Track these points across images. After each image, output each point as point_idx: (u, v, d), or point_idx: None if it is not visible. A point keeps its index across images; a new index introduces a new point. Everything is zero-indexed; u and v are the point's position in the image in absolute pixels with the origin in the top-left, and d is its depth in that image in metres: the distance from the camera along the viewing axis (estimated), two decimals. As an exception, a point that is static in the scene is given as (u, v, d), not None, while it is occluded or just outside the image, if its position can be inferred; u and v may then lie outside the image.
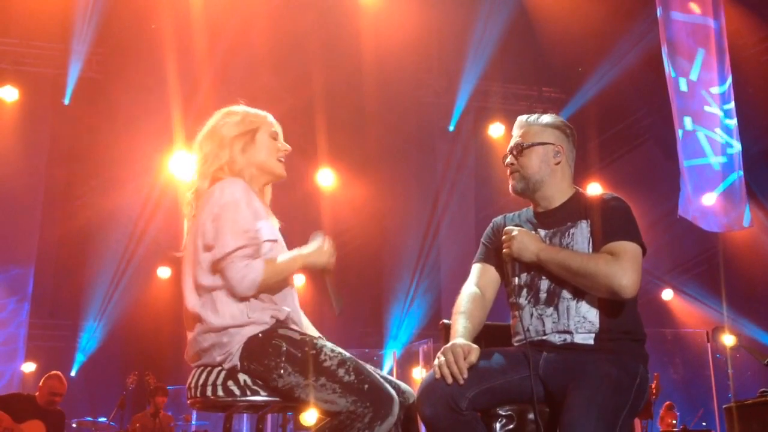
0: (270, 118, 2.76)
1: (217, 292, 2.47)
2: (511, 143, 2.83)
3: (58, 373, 6.73)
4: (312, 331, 2.81)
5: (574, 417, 2.29)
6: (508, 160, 2.80)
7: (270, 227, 2.59)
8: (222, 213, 2.46)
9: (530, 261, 2.64)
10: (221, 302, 2.47)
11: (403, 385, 2.66)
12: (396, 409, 2.40)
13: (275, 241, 2.59)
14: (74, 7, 8.75)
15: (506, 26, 9.44)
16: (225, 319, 2.45)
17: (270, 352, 2.41)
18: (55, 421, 6.52)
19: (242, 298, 2.46)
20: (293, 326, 2.58)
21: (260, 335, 2.45)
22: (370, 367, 2.53)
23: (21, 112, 9.63)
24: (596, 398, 2.33)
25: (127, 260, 10.69)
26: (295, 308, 2.65)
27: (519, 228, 2.71)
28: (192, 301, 2.52)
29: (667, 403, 8.71)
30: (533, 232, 2.72)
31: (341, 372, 2.40)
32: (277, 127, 2.77)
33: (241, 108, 2.75)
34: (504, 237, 2.71)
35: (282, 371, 2.39)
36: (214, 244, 2.46)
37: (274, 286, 2.52)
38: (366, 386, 2.39)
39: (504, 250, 2.70)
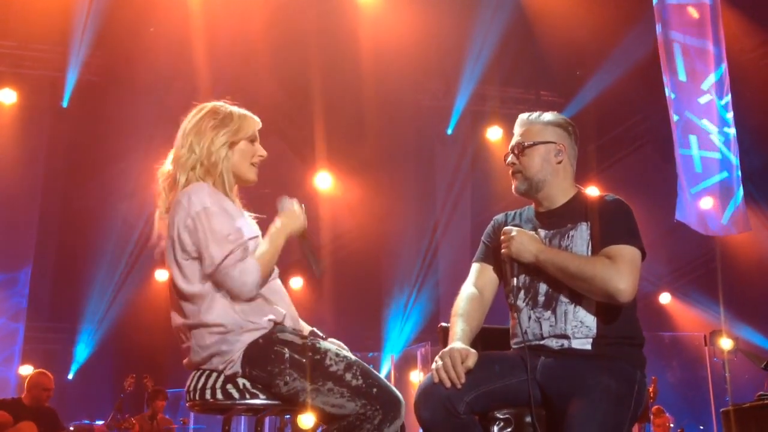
0: (250, 119, 2.71)
1: (211, 297, 2.45)
2: (513, 142, 2.80)
3: (43, 370, 6.74)
4: (304, 326, 2.79)
5: None
6: (510, 159, 2.77)
7: (247, 224, 2.56)
8: (197, 224, 2.43)
9: (529, 262, 2.62)
10: (217, 307, 2.45)
11: None
12: (403, 411, 2.44)
13: (257, 237, 2.57)
14: (73, 9, 8.74)
15: (505, 30, 9.44)
16: (223, 324, 2.43)
17: (273, 359, 2.41)
18: (47, 420, 6.47)
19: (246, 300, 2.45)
20: (291, 327, 2.57)
21: (260, 341, 2.45)
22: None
23: (19, 115, 9.61)
24: (597, 415, 2.33)
25: (124, 263, 10.68)
26: (288, 303, 2.64)
27: (518, 228, 2.69)
28: (186, 308, 2.50)
29: (655, 408, 8.70)
30: (533, 232, 2.70)
31: (348, 376, 2.41)
32: (256, 129, 2.71)
33: (226, 107, 2.70)
34: (503, 237, 2.69)
35: (287, 378, 2.40)
36: (198, 256, 2.45)
37: (270, 274, 2.52)
38: (375, 389, 2.41)
39: (503, 251, 2.68)
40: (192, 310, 2.48)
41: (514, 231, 2.66)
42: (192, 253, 2.46)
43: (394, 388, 2.46)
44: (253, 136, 2.68)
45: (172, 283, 2.54)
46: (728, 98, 7.55)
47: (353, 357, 2.50)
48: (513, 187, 2.79)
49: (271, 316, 2.50)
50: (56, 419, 6.61)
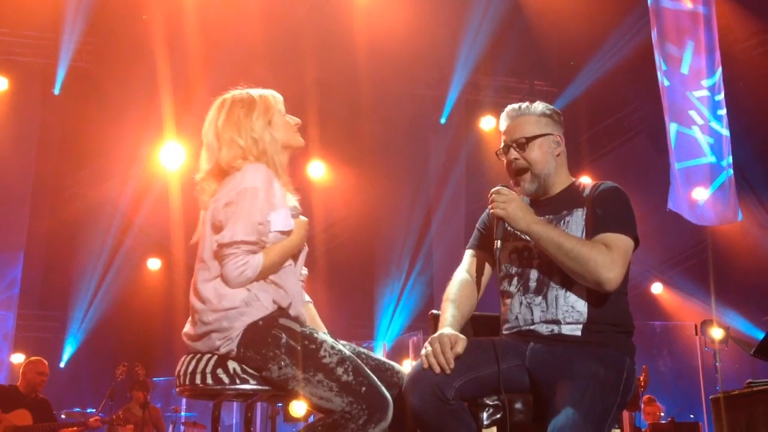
0: (274, 94, 2.74)
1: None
2: (508, 138, 2.71)
3: (38, 357, 6.80)
4: (317, 322, 2.81)
5: (561, 421, 2.29)
6: (512, 155, 2.68)
7: (284, 216, 2.55)
8: (239, 200, 2.46)
9: (520, 229, 2.57)
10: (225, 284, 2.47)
11: (397, 366, 2.69)
12: (390, 413, 2.42)
13: (285, 232, 2.55)
14: (64, -4, 8.70)
15: (499, 19, 9.43)
16: (228, 300, 2.44)
17: (269, 342, 2.41)
18: (41, 410, 6.50)
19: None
20: (294, 315, 2.56)
21: (261, 323, 2.44)
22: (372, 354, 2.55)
23: (10, 102, 9.58)
24: (584, 401, 2.32)
25: (116, 251, 10.66)
26: (297, 291, 2.61)
27: (514, 193, 2.62)
28: (199, 279, 2.52)
29: (646, 397, 8.76)
30: None
31: (340, 371, 2.40)
32: (281, 101, 2.75)
33: (245, 91, 2.71)
34: (495, 195, 2.60)
35: (280, 362, 2.39)
36: (223, 227, 2.46)
37: (268, 274, 2.51)
38: (364, 388, 2.40)
39: (491, 210, 2.61)
40: (206, 283, 2.50)
41: (513, 195, 2.59)
42: (220, 225, 2.48)
43: (383, 390, 2.44)
44: (281, 108, 2.72)
45: (199, 258, 2.57)
46: (721, 87, 7.58)
47: (348, 353, 2.48)
48: (523, 189, 2.71)
49: (277, 299, 2.50)
50: (49, 410, 6.64)
